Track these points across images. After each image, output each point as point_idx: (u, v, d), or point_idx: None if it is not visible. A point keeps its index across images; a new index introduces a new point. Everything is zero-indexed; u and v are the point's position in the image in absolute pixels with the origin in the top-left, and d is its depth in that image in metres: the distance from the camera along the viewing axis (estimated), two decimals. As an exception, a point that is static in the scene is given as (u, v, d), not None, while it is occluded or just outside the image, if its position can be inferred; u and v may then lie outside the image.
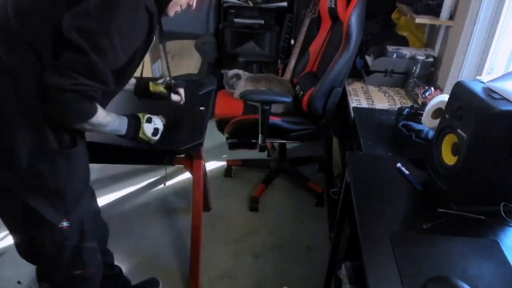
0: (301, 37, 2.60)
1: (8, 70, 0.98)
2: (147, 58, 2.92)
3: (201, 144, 1.49)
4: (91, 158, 1.23)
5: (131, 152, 1.50)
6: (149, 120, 1.30)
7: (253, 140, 2.10)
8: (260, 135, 2.02)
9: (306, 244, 2.07)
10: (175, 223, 2.19)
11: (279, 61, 2.86)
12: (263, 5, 3.11)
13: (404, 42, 2.41)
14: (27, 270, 1.12)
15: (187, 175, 2.51)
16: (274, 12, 3.16)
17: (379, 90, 2.16)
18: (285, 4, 3.10)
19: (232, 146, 2.18)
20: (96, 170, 2.57)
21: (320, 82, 1.99)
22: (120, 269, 1.62)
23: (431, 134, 1.34)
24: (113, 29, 0.97)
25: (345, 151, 1.67)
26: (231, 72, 2.37)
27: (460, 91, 1.05)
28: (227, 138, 2.17)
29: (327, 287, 1.64)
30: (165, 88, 1.61)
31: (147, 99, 1.58)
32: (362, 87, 2.19)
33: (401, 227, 0.99)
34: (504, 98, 0.96)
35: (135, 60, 1.13)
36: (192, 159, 1.61)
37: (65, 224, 1.14)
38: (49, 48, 0.98)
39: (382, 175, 1.20)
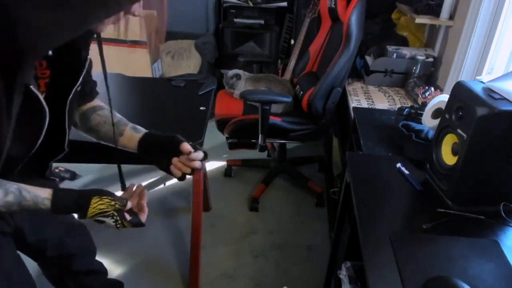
0: (301, 37, 2.60)
1: None
2: (147, 58, 2.93)
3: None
4: (91, 158, 1.16)
5: (131, 152, 1.50)
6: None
7: (253, 140, 2.10)
8: (260, 135, 2.02)
9: (306, 244, 2.07)
10: (175, 223, 2.19)
11: (279, 61, 2.87)
12: (263, 5, 3.12)
13: (404, 42, 2.41)
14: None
15: (187, 175, 2.51)
16: (274, 12, 3.17)
17: (379, 90, 2.16)
18: (285, 4, 3.11)
19: (232, 146, 2.19)
20: (96, 170, 2.57)
21: (320, 82, 1.99)
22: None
23: (431, 134, 1.34)
24: None
25: (345, 151, 1.67)
26: (231, 72, 2.37)
27: (460, 91, 1.05)
28: (227, 138, 2.18)
29: (327, 287, 1.64)
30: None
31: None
32: (362, 87, 2.20)
33: (401, 227, 0.99)
34: (504, 98, 0.96)
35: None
36: (192, 159, 1.61)
37: None
38: None
39: (382, 175, 1.19)
